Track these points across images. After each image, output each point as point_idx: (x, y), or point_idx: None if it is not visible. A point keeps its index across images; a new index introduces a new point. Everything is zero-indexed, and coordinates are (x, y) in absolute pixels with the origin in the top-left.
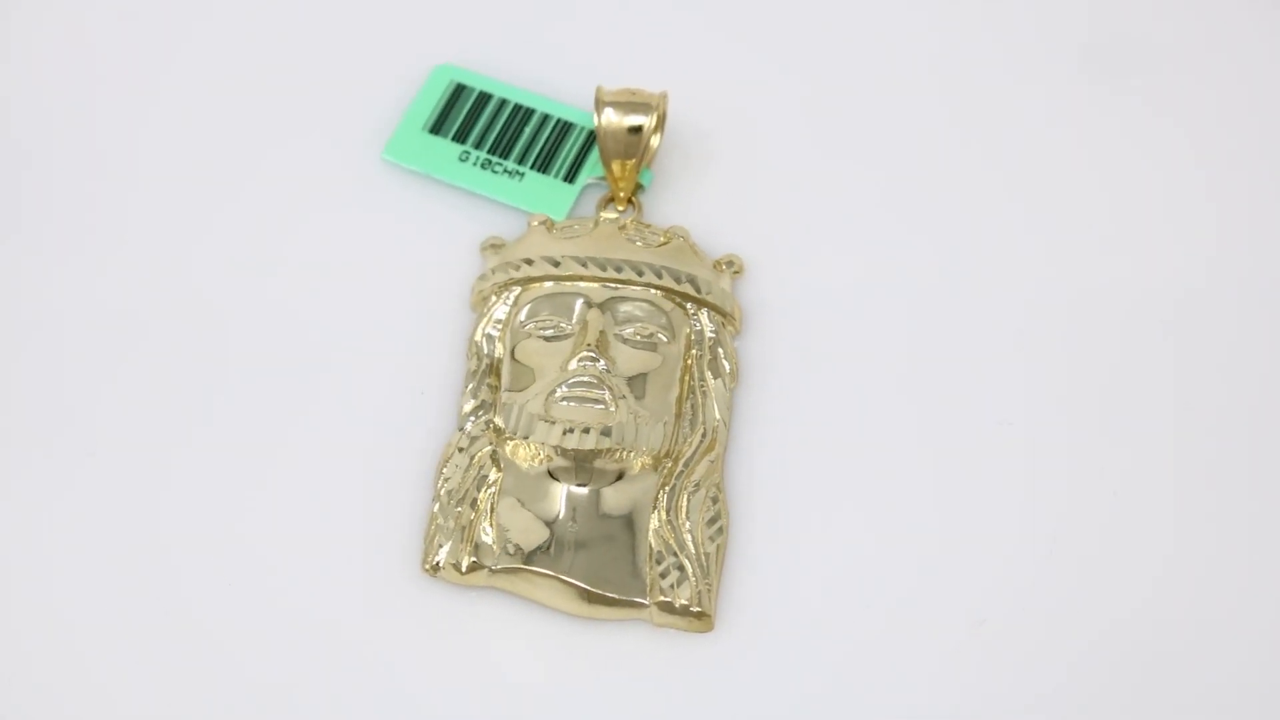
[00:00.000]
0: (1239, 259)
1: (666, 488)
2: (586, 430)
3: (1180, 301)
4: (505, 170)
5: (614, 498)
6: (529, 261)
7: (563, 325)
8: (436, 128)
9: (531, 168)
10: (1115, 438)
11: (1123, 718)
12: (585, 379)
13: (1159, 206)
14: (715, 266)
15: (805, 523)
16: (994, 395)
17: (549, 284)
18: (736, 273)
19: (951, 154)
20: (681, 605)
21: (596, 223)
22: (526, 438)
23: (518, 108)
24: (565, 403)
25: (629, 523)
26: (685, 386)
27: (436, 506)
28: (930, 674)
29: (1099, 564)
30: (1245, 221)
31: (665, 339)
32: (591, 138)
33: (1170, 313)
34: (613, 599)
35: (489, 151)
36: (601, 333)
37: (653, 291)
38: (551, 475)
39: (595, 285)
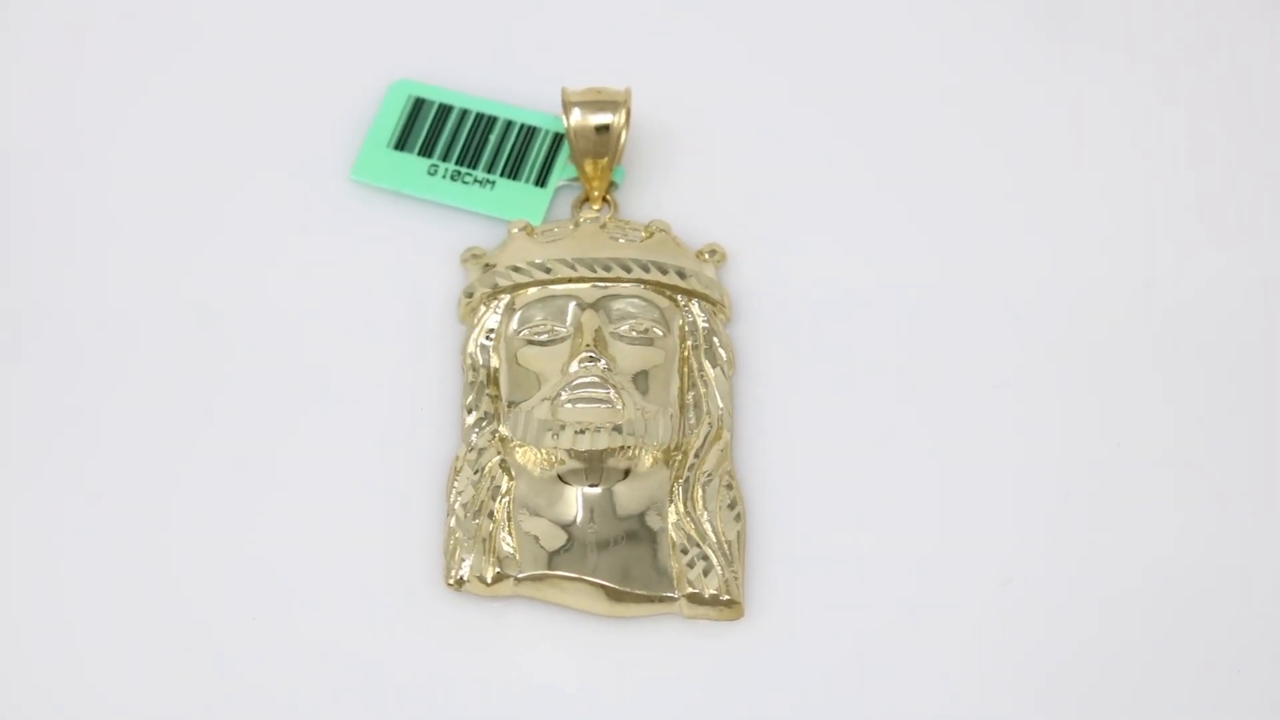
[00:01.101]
0: (1235, 257)
1: (680, 480)
2: (599, 430)
3: (1174, 294)
4: (475, 180)
5: (628, 495)
6: (517, 269)
7: (557, 329)
8: (401, 143)
9: (502, 175)
10: (1105, 379)
11: (1148, 669)
12: (588, 379)
13: (1143, 193)
14: (698, 256)
15: (820, 502)
16: (987, 361)
17: (537, 289)
18: (719, 261)
19: (921, 139)
20: (711, 595)
21: (577, 223)
22: (538, 445)
23: (480, 116)
24: (572, 405)
25: (647, 519)
26: (685, 378)
27: (452, 521)
28: (962, 638)
29: (1112, 524)
30: (1242, 220)
31: (661, 333)
32: (558, 140)
33: (1161, 303)
34: (642, 595)
35: (457, 163)
36: (598, 332)
37: (643, 287)
38: (561, 479)
39: (585, 286)
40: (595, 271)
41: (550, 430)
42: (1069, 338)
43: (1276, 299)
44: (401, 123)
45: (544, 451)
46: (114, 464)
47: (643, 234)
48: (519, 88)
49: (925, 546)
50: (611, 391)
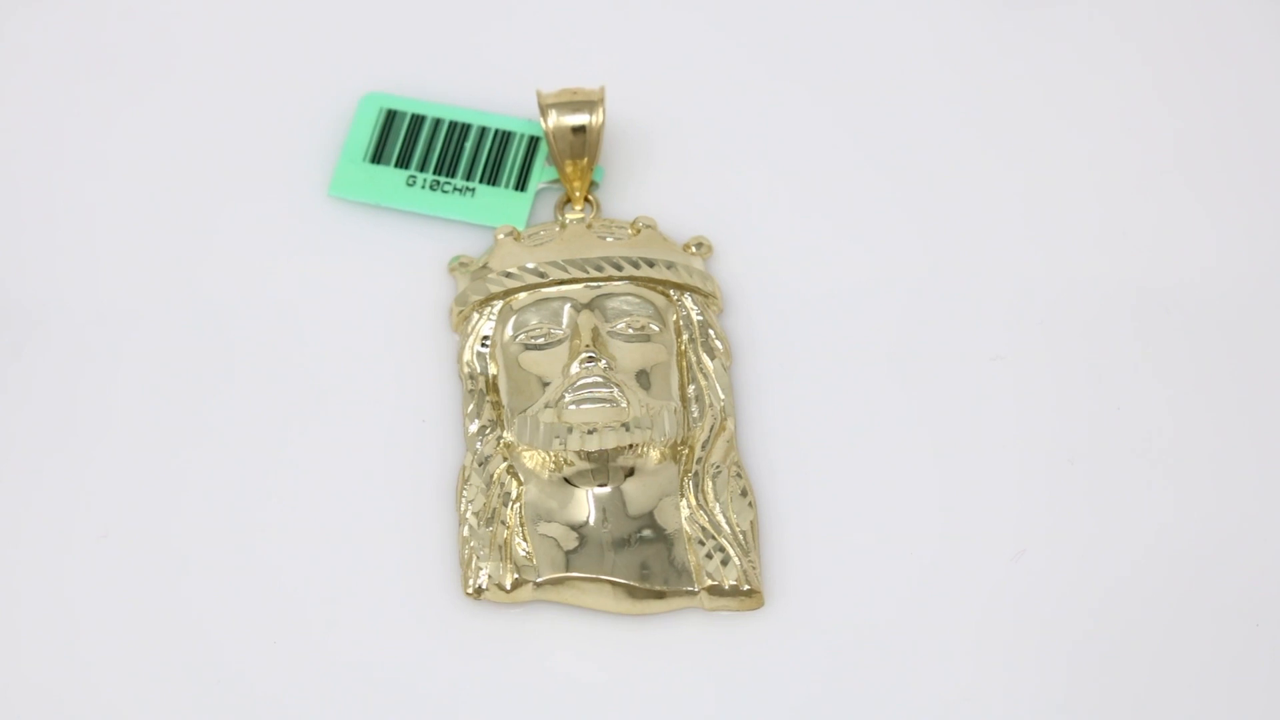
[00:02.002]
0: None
1: (689, 475)
2: (608, 429)
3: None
4: (455, 188)
5: (638, 493)
6: (509, 274)
7: (554, 331)
8: (377, 156)
9: (481, 182)
10: (1092, 349)
11: (1167, 631)
12: (591, 380)
13: (1130, 180)
14: (685, 250)
15: (829, 487)
16: (979, 337)
17: (530, 293)
18: (706, 254)
19: (896, 125)
20: (731, 586)
21: (563, 225)
22: (546, 449)
23: (454, 125)
24: (576, 406)
25: (659, 515)
26: (683, 372)
27: (466, 530)
28: (981, 611)
29: (1118, 493)
30: (1236, 210)
31: (657, 328)
32: (534, 143)
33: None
34: (662, 591)
35: (435, 172)
36: (595, 331)
37: (635, 284)
38: (568, 482)
39: (578, 287)
40: (587, 272)
41: (557, 434)
42: (1055, 314)
43: (1270, 283)
44: (375, 136)
45: (551, 454)
46: (125, 486)
47: (630, 231)
48: (490, 94)
49: (936, 524)
50: (615, 390)
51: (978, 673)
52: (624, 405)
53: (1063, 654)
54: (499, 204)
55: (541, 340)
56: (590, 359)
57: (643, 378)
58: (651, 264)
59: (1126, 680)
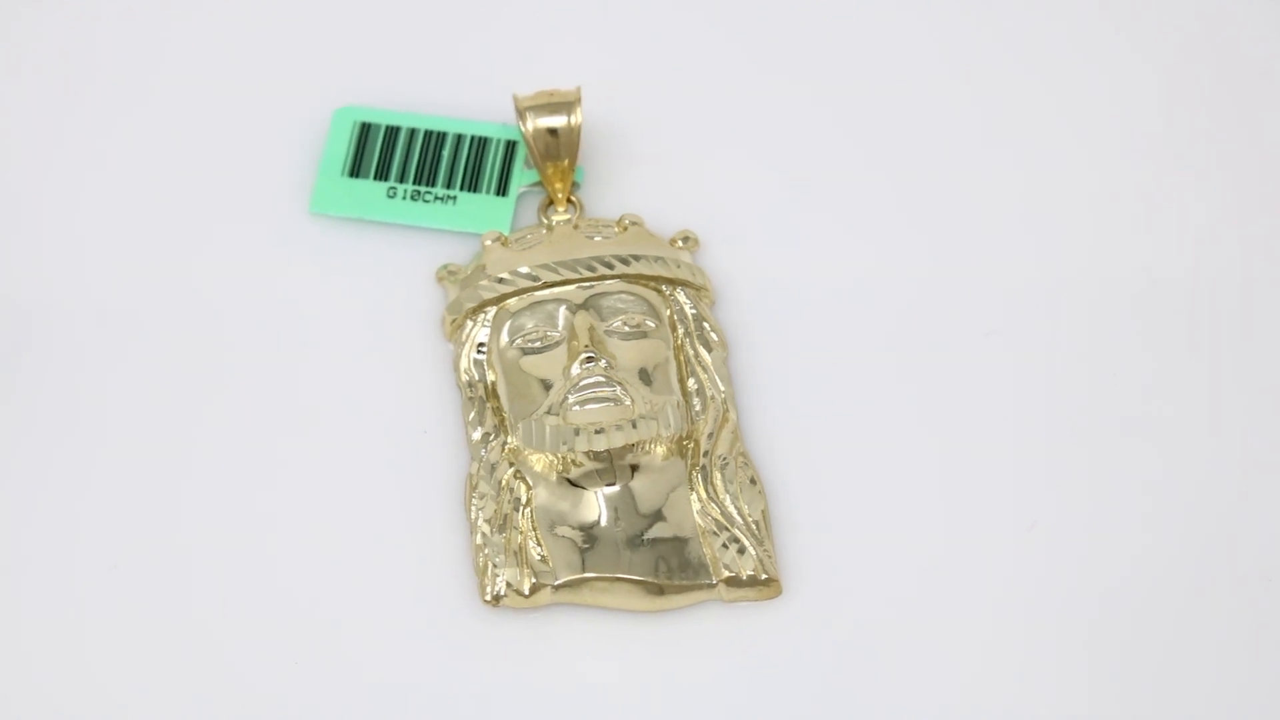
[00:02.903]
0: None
1: (697, 468)
2: (617, 428)
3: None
4: (436, 197)
5: (647, 490)
6: (503, 279)
7: (550, 334)
8: (355, 170)
9: (461, 189)
10: (1084, 329)
11: (1186, 597)
12: (593, 380)
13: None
14: (672, 244)
15: (835, 472)
16: (974, 313)
17: (523, 297)
18: (693, 247)
19: (871, 118)
20: (749, 576)
21: (550, 227)
22: (554, 451)
23: (429, 134)
24: (580, 407)
25: (670, 510)
26: (682, 366)
27: (478, 537)
28: (995, 586)
29: (1129, 464)
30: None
31: (653, 324)
32: (511, 147)
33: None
34: (680, 585)
35: (415, 182)
36: (592, 331)
37: (628, 281)
38: (574, 483)
39: (571, 288)
40: (579, 272)
41: (564, 437)
42: (1047, 292)
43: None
44: (352, 150)
45: (559, 456)
46: (131, 511)
47: (616, 229)
48: (463, 101)
49: (944, 503)
50: (618, 389)
51: (997, 646)
52: (628, 403)
53: (1081, 631)
54: (481, 210)
55: (538, 344)
56: (590, 359)
57: (643, 374)
58: (642, 260)
59: (1146, 654)
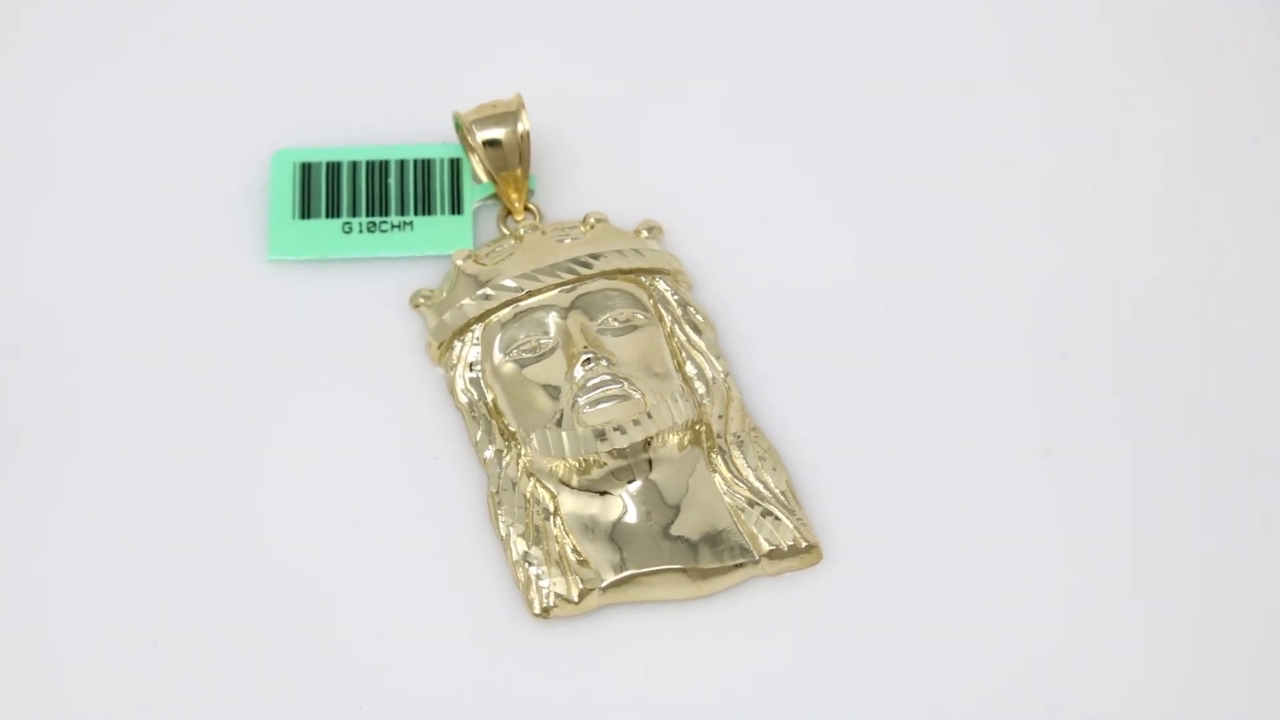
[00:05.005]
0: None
1: (714, 449)
2: (636, 422)
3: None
4: (392, 225)
5: (669, 480)
6: (485, 296)
7: (543, 341)
8: (305, 212)
9: (416, 213)
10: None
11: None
12: (598, 379)
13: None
14: (637, 235)
15: (847, 434)
16: (958, 282)
17: (507, 310)
18: (658, 236)
19: (814, 97)
20: (790, 546)
21: (518, 237)
22: (574, 457)
23: (371, 164)
24: (593, 408)
25: (697, 496)
26: (676, 353)
27: (515, 553)
28: (1020, 522)
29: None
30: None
31: (642, 317)
32: (456, 164)
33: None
34: (724, 567)
35: (368, 214)
36: (585, 330)
37: (607, 277)
38: (596, 485)
39: (554, 293)
40: (560, 276)
41: (584, 441)
42: (1019, 219)
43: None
44: (297, 191)
45: (580, 460)
46: (160, 558)
47: (583, 229)
48: (396, 126)
49: (959, 450)
50: (624, 384)
51: (1032, 589)
52: (637, 396)
53: (1123, 573)
54: (440, 231)
55: (534, 353)
56: (590, 359)
57: (644, 366)
58: (620, 254)
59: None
